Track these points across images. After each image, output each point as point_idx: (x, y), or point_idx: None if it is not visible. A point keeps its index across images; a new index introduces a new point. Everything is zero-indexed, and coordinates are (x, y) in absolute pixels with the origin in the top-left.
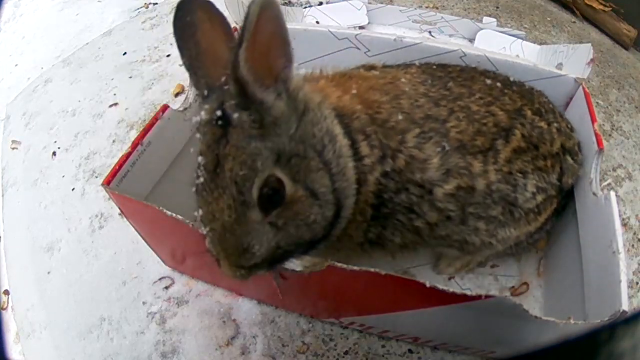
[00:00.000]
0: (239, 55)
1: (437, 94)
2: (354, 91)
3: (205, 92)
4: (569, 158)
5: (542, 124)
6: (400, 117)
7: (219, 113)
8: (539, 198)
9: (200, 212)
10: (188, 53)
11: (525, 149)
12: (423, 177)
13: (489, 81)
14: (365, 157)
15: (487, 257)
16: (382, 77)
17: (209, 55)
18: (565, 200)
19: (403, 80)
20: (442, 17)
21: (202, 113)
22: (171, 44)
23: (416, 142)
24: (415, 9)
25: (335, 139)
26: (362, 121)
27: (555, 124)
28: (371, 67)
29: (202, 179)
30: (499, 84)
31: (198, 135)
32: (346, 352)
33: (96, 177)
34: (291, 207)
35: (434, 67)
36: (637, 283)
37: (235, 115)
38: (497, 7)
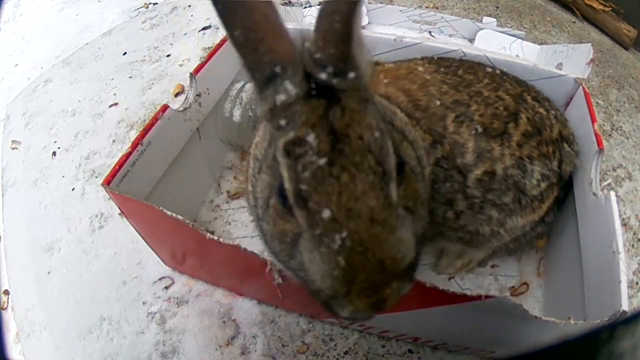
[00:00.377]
0: (355, 8)
1: (453, 81)
2: (386, 80)
3: (278, 70)
4: (566, 146)
5: (542, 110)
6: (437, 103)
7: (313, 85)
8: (543, 185)
9: (327, 213)
10: (241, 24)
11: (532, 133)
12: (463, 161)
13: (489, 69)
14: (423, 141)
15: (492, 250)
16: (398, 68)
17: (269, 25)
18: (564, 192)
19: (420, 69)
20: (442, 17)
21: (281, 95)
22: (171, 44)
23: (455, 127)
24: (415, 9)
25: (395, 111)
26: (409, 107)
27: (552, 112)
28: (377, 63)
29: (312, 170)
30: (498, 71)
31: (279, 122)
32: (346, 352)
33: (96, 177)
34: (409, 184)
35: (436, 58)
36: (637, 283)
37: (342, 78)
38: (497, 7)
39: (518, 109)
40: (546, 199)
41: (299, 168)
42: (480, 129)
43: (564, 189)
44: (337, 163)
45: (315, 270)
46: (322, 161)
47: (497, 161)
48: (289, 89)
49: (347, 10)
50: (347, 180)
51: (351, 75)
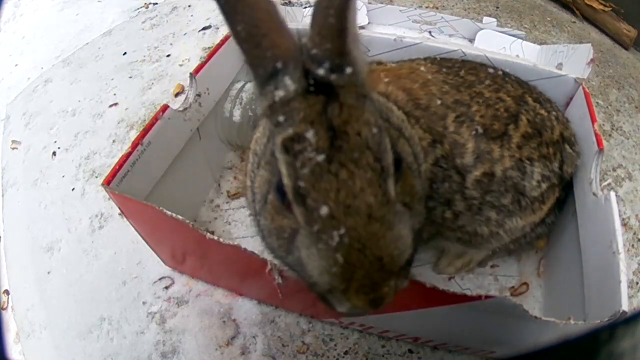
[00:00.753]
0: (349, 2)
1: (454, 81)
2: (387, 79)
3: (280, 65)
4: (567, 147)
5: (543, 111)
6: (438, 102)
7: (312, 81)
8: (544, 186)
9: (325, 210)
10: (244, 19)
11: (531, 134)
12: (462, 162)
13: (491, 70)
14: (422, 140)
15: (491, 251)
16: (400, 67)
17: (271, 21)
18: (565, 192)
19: (422, 69)
20: (442, 17)
21: (279, 91)
22: (171, 44)
23: (455, 127)
24: (415, 9)
25: (392, 108)
26: (410, 105)
27: (553, 113)
28: (379, 63)
29: (311, 166)
30: (500, 72)
31: (277, 118)
32: (346, 352)
33: (96, 177)
34: (406, 180)
35: (438, 59)
36: (637, 283)
37: (340, 74)
38: (497, 7)
39: (519, 111)
40: (547, 200)
41: (297, 165)
42: (480, 130)
43: (565, 190)
44: (336, 160)
45: (313, 266)
46: (321, 158)
47: (496, 163)
48: (288, 84)
49: (341, 4)
50: (345, 177)
51: (348, 70)
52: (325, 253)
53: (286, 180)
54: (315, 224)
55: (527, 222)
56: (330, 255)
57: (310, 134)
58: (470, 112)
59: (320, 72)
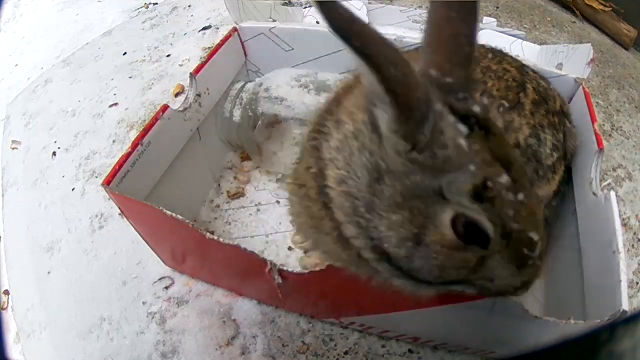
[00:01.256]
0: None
1: None
2: None
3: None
4: (567, 121)
5: (543, 82)
6: None
7: (473, 120)
8: (555, 155)
9: (535, 236)
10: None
11: (539, 101)
12: None
13: (486, 45)
14: None
15: None
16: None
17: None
18: (564, 191)
19: None
20: None
21: (444, 136)
22: (171, 44)
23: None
24: (415, 9)
25: None
26: None
27: (551, 86)
28: None
29: (512, 205)
30: (495, 45)
31: (442, 166)
32: (346, 352)
33: (96, 177)
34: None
35: None
36: (637, 283)
37: (482, 106)
38: (497, 7)
39: (524, 80)
40: (557, 170)
41: (497, 208)
42: (506, 104)
43: (564, 186)
44: (521, 191)
45: (502, 278)
46: (520, 196)
47: (518, 132)
48: (449, 125)
49: (473, 31)
50: (530, 204)
51: (485, 100)
52: (526, 270)
53: (488, 225)
54: (519, 250)
55: (543, 193)
56: (530, 272)
57: (497, 176)
58: (487, 88)
59: (476, 109)
